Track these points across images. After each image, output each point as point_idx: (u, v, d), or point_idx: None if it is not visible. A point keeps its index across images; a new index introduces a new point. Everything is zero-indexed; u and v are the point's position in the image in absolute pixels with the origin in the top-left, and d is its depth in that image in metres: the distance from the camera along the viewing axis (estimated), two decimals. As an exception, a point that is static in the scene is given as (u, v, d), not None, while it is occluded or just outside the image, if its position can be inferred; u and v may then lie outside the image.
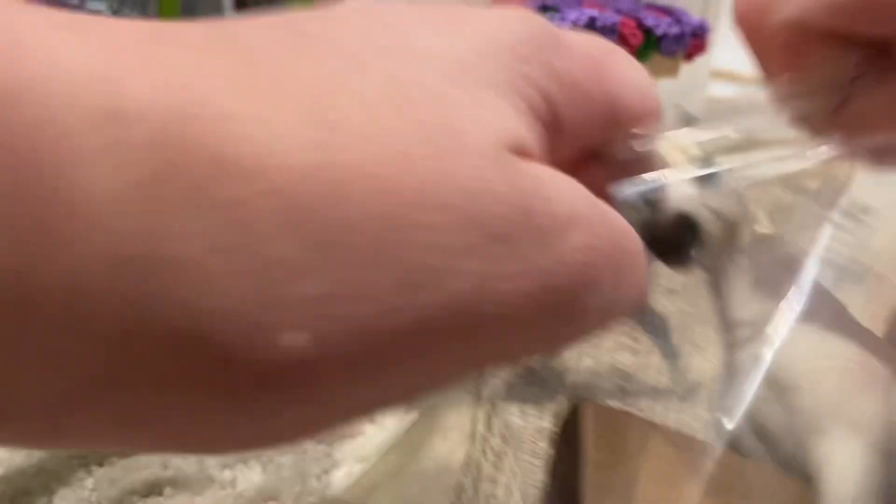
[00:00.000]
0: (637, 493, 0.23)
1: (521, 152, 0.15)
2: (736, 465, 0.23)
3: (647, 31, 0.89)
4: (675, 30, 0.90)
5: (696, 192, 0.24)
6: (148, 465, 0.55)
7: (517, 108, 0.15)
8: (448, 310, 0.13)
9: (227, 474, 0.55)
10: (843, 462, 0.21)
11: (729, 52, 1.81)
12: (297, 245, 0.11)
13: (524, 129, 0.15)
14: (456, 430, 0.45)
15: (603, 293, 0.15)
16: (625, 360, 0.66)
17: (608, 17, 0.84)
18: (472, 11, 0.16)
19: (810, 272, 0.23)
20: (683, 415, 0.66)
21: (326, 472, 0.57)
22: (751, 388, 0.23)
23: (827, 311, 0.23)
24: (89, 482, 0.53)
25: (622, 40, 0.87)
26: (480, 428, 0.44)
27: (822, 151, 0.20)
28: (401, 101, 0.13)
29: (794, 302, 0.22)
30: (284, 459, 0.57)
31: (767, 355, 0.23)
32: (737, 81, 1.64)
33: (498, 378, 0.51)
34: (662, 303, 0.73)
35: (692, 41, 0.92)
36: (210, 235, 0.11)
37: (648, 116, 0.20)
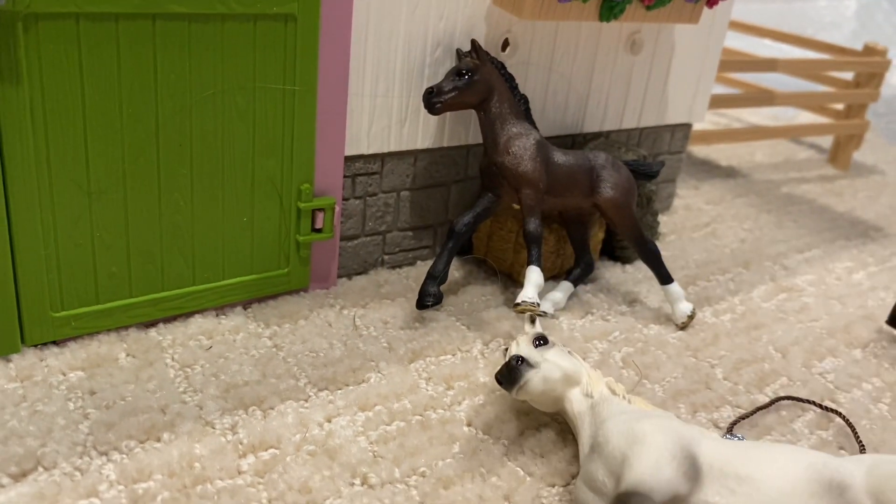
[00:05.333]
0: None
1: None
2: None
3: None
4: (696, -25, 0.86)
5: None
6: (146, 410, 0.52)
7: None
8: None
9: (226, 420, 0.53)
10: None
11: (748, 4, 1.76)
12: None
13: None
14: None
15: None
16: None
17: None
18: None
19: None
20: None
21: (329, 419, 0.55)
22: None
23: None
24: (84, 426, 0.51)
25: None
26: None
27: None
28: None
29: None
30: (286, 406, 0.55)
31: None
32: (753, 34, 1.60)
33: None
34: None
35: (714, -12, 0.88)
36: None
37: None
